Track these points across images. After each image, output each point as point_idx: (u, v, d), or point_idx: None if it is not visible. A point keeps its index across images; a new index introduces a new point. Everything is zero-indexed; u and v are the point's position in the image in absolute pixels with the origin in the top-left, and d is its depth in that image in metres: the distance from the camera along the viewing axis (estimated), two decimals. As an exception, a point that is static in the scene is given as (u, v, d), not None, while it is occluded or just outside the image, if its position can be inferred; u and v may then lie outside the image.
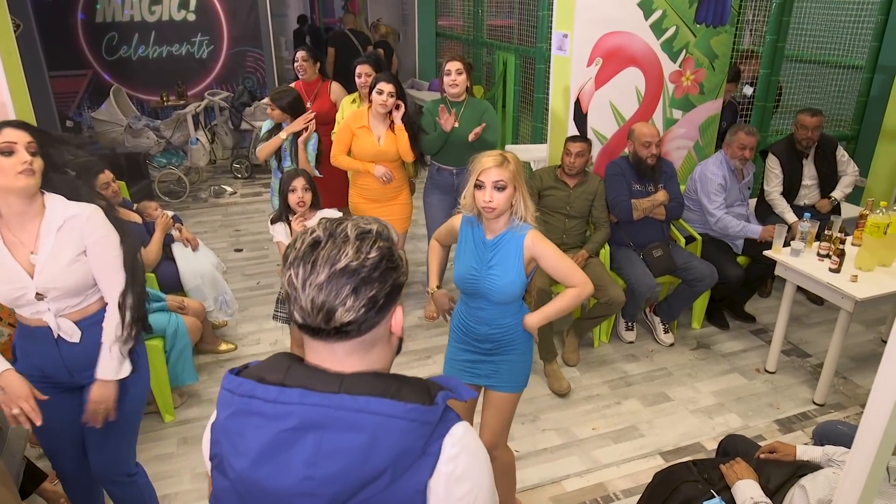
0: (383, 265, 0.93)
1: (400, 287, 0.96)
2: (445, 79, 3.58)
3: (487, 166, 1.99)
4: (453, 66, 3.56)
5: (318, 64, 4.42)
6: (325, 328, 0.91)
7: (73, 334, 1.90)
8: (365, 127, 3.53)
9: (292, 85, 4.21)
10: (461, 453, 0.93)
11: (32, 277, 1.81)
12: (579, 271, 2.11)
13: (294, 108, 3.70)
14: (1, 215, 1.79)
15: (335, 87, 4.37)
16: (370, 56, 4.20)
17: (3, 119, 1.94)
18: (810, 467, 1.96)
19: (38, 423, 1.80)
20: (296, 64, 4.35)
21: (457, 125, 3.54)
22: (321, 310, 0.90)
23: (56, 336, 1.90)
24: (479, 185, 2.02)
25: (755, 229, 3.74)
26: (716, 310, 3.92)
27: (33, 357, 1.94)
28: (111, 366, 1.90)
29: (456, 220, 2.23)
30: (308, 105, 4.05)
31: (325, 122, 4.08)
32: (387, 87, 3.41)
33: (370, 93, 3.47)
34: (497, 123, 3.76)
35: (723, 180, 3.76)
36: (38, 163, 1.76)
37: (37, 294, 1.82)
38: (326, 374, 0.93)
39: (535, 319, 2.12)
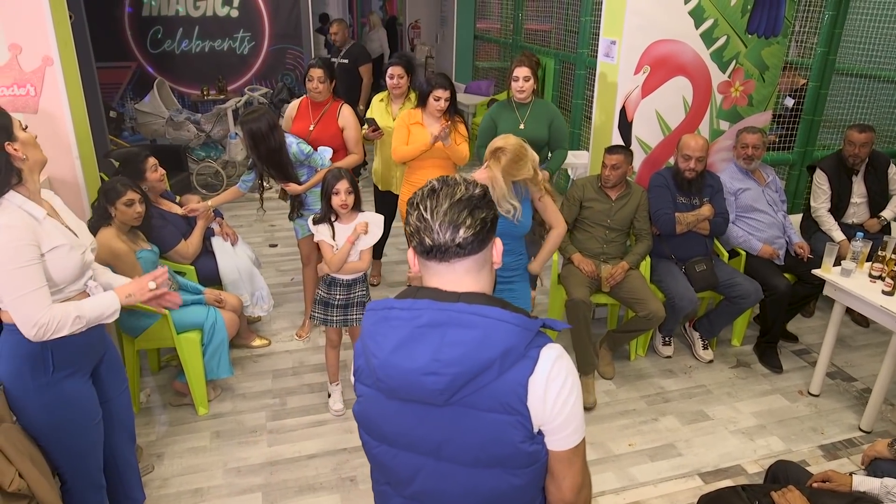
0: (487, 197, 1.20)
1: (496, 220, 1.21)
2: (513, 84, 3.59)
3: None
4: (521, 72, 3.57)
5: (333, 82, 3.67)
6: (451, 246, 1.15)
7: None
8: (419, 123, 3.56)
9: (298, 101, 3.71)
10: (557, 360, 1.14)
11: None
12: (560, 215, 2.88)
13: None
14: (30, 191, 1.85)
15: (346, 112, 3.66)
16: (402, 56, 4.11)
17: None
18: (867, 500, 1.88)
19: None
20: (309, 84, 3.58)
21: (522, 127, 3.57)
22: (449, 230, 1.15)
23: None
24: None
25: (756, 245, 3.70)
26: (768, 347, 3.70)
27: (83, 345, 1.95)
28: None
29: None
30: (311, 127, 3.62)
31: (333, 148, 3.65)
32: (444, 94, 3.49)
33: (427, 97, 3.50)
34: (566, 128, 3.75)
35: (733, 188, 3.73)
36: None
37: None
38: (447, 292, 1.17)
39: (536, 264, 2.90)
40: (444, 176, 1.24)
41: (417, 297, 1.17)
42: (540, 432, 1.15)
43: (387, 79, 3.97)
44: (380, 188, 4.26)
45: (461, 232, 1.15)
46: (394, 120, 3.96)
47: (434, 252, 1.16)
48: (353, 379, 1.28)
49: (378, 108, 4.06)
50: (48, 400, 1.91)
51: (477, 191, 1.20)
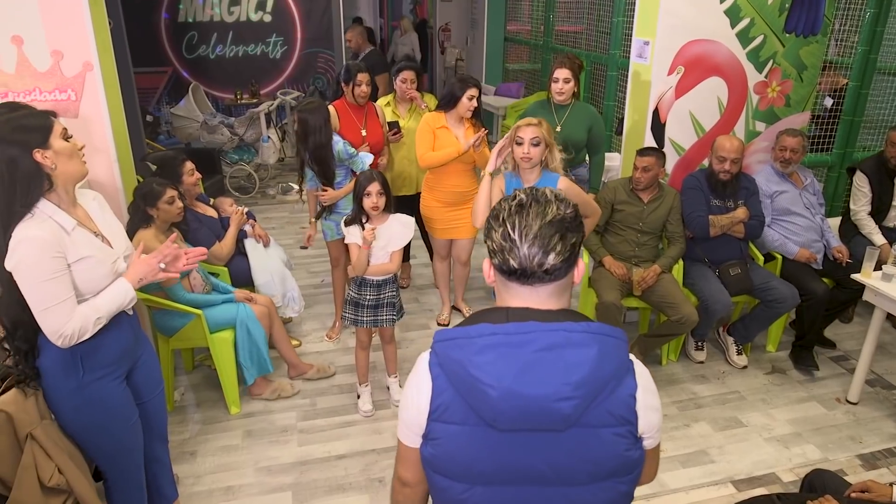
0: (578, 219, 1.14)
1: (582, 240, 1.16)
2: (553, 85, 3.59)
3: (525, 125, 2.80)
4: (562, 73, 3.56)
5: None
6: (537, 271, 1.10)
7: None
8: (444, 127, 3.53)
9: (331, 106, 3.64)
10: (643, 369, 1.18)
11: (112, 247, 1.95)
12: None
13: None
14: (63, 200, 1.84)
15: (379, 109, 3.84)
16: (413, 60, 4.06)
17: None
18: (909, 512, 1.82)
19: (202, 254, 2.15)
20: (358, 89, 3.59)
21: (558, 129, 3.56)
22: (537, 255, 1.09)
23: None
24: (518, 142, 2.81)
25: (792, 249, 3.60)
26: (804, 350, 3.61)
27: (113, 349, 1.97)
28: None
29: (500, 180, 2.93)
30: (363, 132, 3.67)
31: (379, 150, 3.76)
32: (476, 93, 3.46)
33: (458, 99, 3.45)
34: (604, 134, 3.72)
35: (769, 190, 3.65)
36: None
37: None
38: (540, 312, 1.13)
39: None
40: (532, 188, 1.17)
41: (513, 320, 1.10)
42: (640, 437, 1.17)
43: (398, 83, 3.91)
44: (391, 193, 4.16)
45: (550, 258, 1.09)
46: (401, 120, 3.97)
47: (518, 274, 1.12)
48: (420, 420, 1.17)
49: (386, 113, 4.04)
50: (80, 402, 1.93)
51: (569, 211, 1.13)
